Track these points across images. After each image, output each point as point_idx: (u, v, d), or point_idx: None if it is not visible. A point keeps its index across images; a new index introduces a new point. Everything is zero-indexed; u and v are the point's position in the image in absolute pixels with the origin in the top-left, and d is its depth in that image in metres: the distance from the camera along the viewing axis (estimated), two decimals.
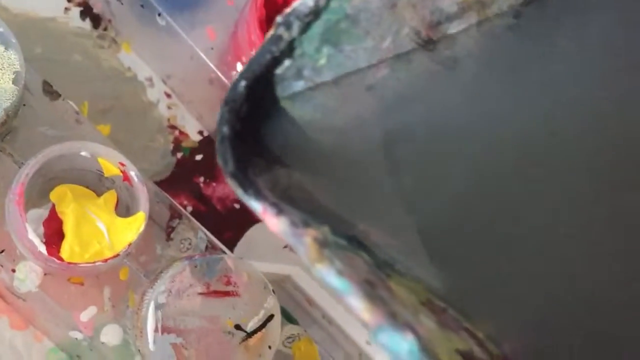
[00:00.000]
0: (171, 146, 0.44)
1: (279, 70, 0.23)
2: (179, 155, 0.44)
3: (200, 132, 0.45)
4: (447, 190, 0.25)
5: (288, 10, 0.22)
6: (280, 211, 0.21)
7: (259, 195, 0.21)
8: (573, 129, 0.27)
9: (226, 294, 0.33)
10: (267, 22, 0.37)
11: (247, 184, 0.21)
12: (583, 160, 0.26)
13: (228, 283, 0.33)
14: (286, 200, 0.22)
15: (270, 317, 0.34)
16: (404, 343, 0.19)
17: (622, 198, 0.26)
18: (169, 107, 0.44)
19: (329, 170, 0.24)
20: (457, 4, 0.26)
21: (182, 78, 0.43)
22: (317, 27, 0.23)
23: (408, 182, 0.25)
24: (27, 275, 0.34)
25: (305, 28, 0.23)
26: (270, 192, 0.22)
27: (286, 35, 0.23)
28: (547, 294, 0.24)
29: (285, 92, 0.24)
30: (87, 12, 0.42)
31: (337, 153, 0.24)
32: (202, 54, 0.41)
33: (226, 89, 0.42)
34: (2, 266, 0.34)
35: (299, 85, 0.24)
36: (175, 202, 0.38)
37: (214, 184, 0.44)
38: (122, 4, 0.40)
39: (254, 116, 0.23)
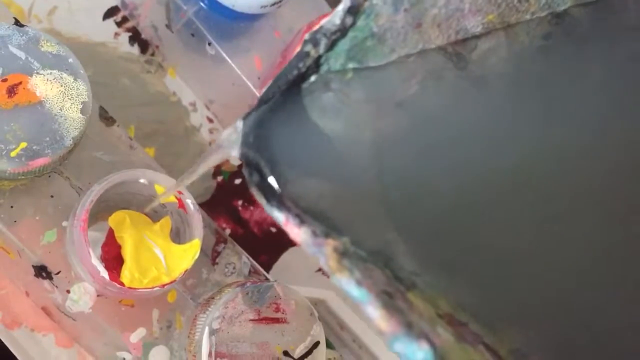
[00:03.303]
0: (212, 170, 0.45)
1: (305, 85, 0.24)
2: (219, 179, 0.45)
3: None
4: (462, 204, 0.25)
5: (315, 27, 0.23)
6: (302, 222, 0.21)
7: (282, 206, 0.22)
8: (587, 152, 0.28)
9: (275, 320, 0.34)
10: None
11: (270, 195, 0.22)
12: (591, 182, 0.27)
13: (277, 310, 0.34)
14: (310, 213, 0.22)
15: (316, 344, 0.35)
16: (419, 352, 0.19)
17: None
18: (210, 132, 0.45)
19: (356, 183, 0.24)
20: (482, 24, 0.26)
21: (224, 103, 0.45)
22: (344, 45, 0.24)
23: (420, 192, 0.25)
24: (81, 297, 0.35)
25: (332, 45, 0.23)
26: (293, 204, 0.22)
27: (313, 52, 0.23)
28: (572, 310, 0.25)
29: (315, 104, 0.24)
30: (135, 37, 0.43)
31: (365, 167, 0.24)
32: (246, 80, 0.42)
33: None
34: (56, 287, 0.35)
35: (329, 97, 0.24)
36: (219, 227, 0.39)
37: (251, 208, 0.45)
38: (172, 32, 0.41)
39: (282, 128, 0.24)
